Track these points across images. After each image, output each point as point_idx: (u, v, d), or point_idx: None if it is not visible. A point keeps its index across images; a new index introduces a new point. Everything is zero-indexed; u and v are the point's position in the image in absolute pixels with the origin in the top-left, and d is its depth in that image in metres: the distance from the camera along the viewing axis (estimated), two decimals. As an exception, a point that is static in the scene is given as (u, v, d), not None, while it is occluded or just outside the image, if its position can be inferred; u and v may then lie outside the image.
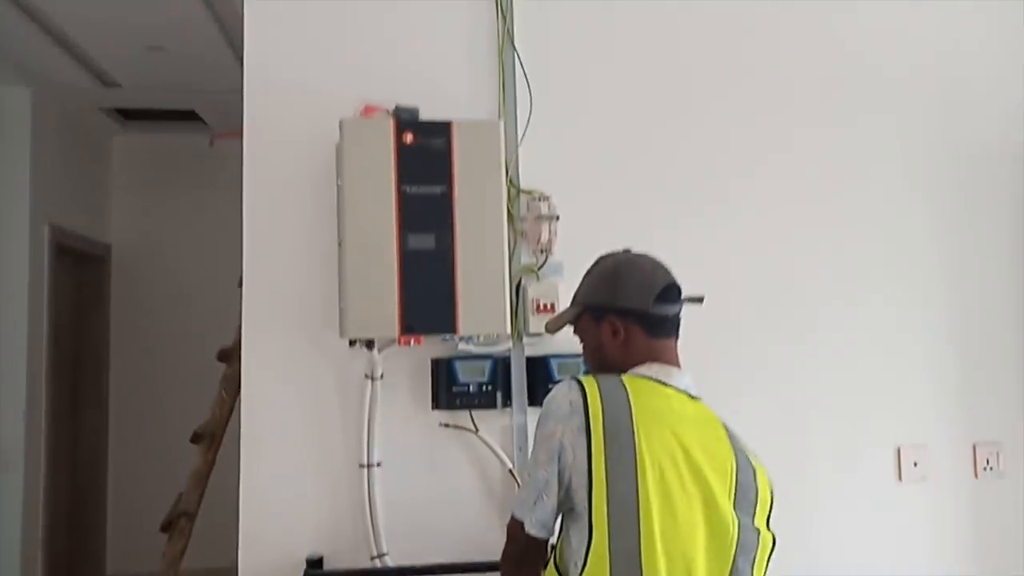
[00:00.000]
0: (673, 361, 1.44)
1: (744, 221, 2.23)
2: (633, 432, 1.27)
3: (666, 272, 1.48)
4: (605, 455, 1.26)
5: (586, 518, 1.26)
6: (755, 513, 1.33)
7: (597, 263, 1.53)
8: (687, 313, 2.11)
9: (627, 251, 1.54)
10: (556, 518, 1.34)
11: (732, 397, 2.13)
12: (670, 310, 1.45)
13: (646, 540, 1.23)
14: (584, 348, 1.53)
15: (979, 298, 2.34)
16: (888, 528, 2.23)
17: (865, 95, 2.33)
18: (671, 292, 1.45)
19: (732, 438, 1.38)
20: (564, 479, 1.30)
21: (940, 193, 2.34)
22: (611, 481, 1.25)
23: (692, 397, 1.41)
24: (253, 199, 2.04)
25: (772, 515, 1.38)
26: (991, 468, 2.31)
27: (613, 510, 1.24)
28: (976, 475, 2.30)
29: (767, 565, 1.34)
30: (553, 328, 1.62)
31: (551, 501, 1.32)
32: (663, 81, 2.24)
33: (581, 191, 2.14)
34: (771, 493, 1.38)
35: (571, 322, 1.54)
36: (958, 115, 2.38)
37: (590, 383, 1.33)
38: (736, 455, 1.35)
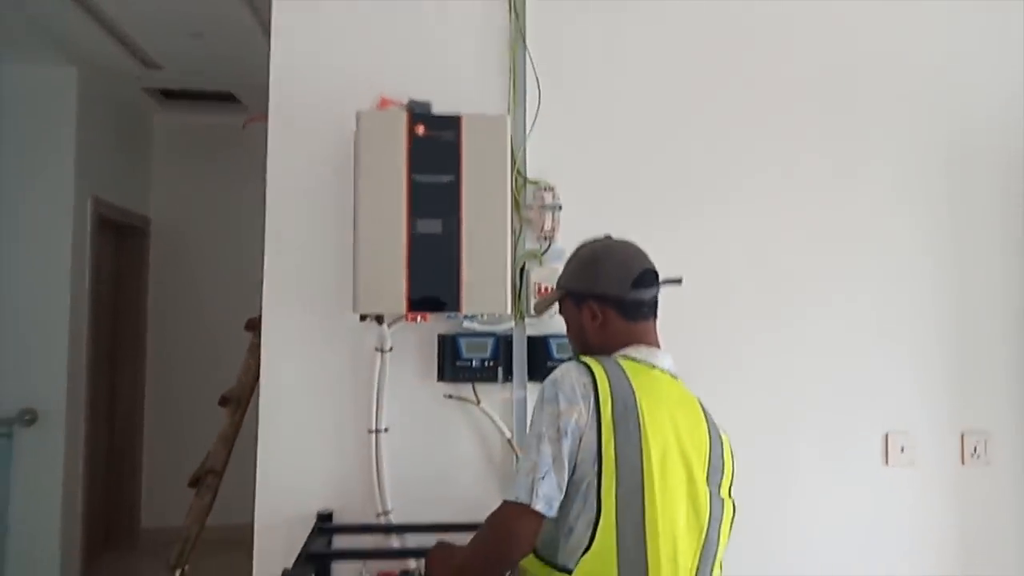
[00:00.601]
0: (654, 343, 1.53)
1: (739, 213, 2.32)
2: (639, 414, 1.34)
3: (643, 258, 1.54)
4: (614, 435, 1.31)
5: (594, 496, 1.30)
6: (721, 483, 1.44)
7: (579, 249, 1.60)
8: (679, 299, 2.22)
9: (607, 238, 1.61)
10: (561, 497, 1.34)
11: (721, 383, 2.26)
12: (646, 294, 1.51)
13: (649, 516, 1.30)
14: (568, 330, 1.61)
15: (969, 287, 2.39)
16: (873, 512, 2.31)
17: (861, 86, 2.39)
18: (647, 277, 1.51)
19: (705, 413, 1.48)
20: (574, 457, 1.33)
21: (931, 185, 2.40)
22: (619, 461, 1.30)
23: (673, 377, 1.50)
24: (276, 183, 2.18)
25: (733, 484, 1.49)
26: (978, 456, 2.36)
27: (621, 488, 1.30)
28: (963, 462, 2.36)
29: (730, 531, 1.45)
30: (539, 310, 1.71)
31: (559, 478, 1.32)
32: (668, 79, 2.33)
33: (584, 183, 2.25)
34: (733, 463, 1.49)
35: (555, 304, 1.62)
36: (948, 108, 2.42)
37: (596, 367, 1.38)
38: (709, 431, 1.46)
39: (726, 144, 2.34)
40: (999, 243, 2.42)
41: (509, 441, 2.16)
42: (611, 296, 1.50)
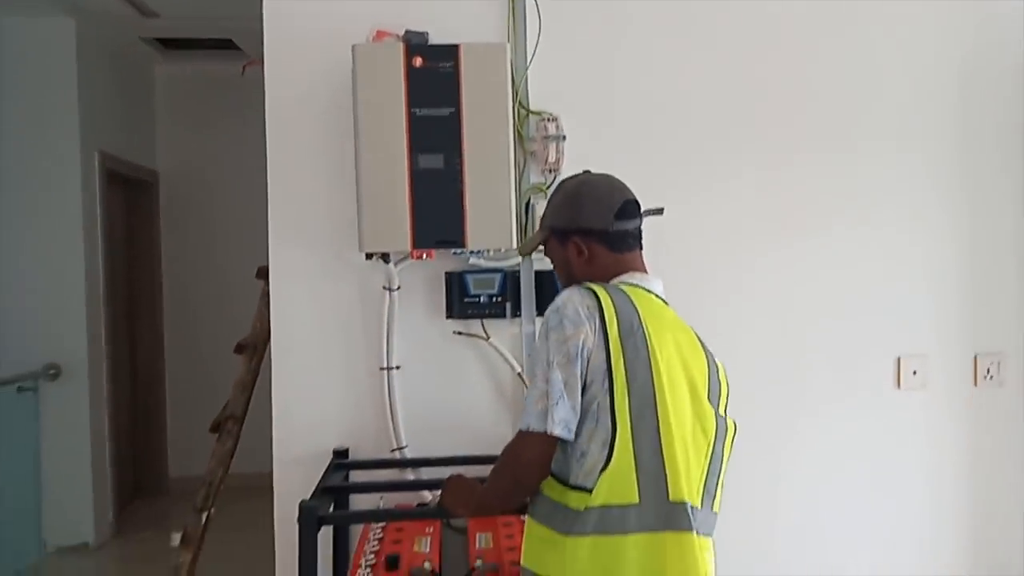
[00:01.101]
0: (643, 270, 1.53)
1: (746, 139, 2.28)
2: (644, 331, 1.35)
3: (623, 189, 1.53)
4: (623, 352, 1.32)
5: (608, 415, 1.31)
6: (719, 404, 1.46)
7: (559, 186, 1.59)
8: (686, 223, 2.21)
9: (587, 172, 1.60)
10: (576, 419, 1.34)
11: (735, 305, 2.26)
12: (630, 225, 1.51)
13: (664, 429, 1.32)
14: (555, 267, 1.60)
15: (983, 208, 2.36)
16: (884, 436, 2.32)
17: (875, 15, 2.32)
18: (629, 208, 1.51)
19: (700, 339, 1.50)
20: (584, 379, 1.33)
21: (945, 109, 2.34)
22: (630, 377, 1.32)
23: (665, 303, 1.51)
24: (275, 126, 2.17)
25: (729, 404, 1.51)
26: (991, 377, 2.36)
27: (634, 403, 1.31)
28: (976, 383, 2.36)
29: (731, 449, 1.47)
30: (525, 251, 1.70)
31: (573, 401, 1.32)
32: (669, 4, 2.25)
33: (588, 112, 2.21)
34: (728, 386, 1.51)
35: (540, 244, 1.60)
36: (961, 30, 2.35)
37: (599, 289, 1.39)
38: (706, 354, 1.48)
39: (733, 69, 2.28)
40: (1014, 163, 2.37)
41: (519, 375, 2.18)
42: (595, 229, 1.49)
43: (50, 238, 4.14)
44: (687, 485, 1.33)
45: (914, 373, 2.34)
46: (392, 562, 1.70)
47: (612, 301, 1.37)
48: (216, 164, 5.25)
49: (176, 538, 3.01)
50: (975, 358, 2.36)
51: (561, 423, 1.32)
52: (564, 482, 1.37)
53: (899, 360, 2.33)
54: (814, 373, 2.31)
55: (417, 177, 1.95)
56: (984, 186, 2.36)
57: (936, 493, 2.35)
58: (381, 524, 2.00)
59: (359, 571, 1.69)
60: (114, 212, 4.70)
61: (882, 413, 2.33)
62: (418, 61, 1.95)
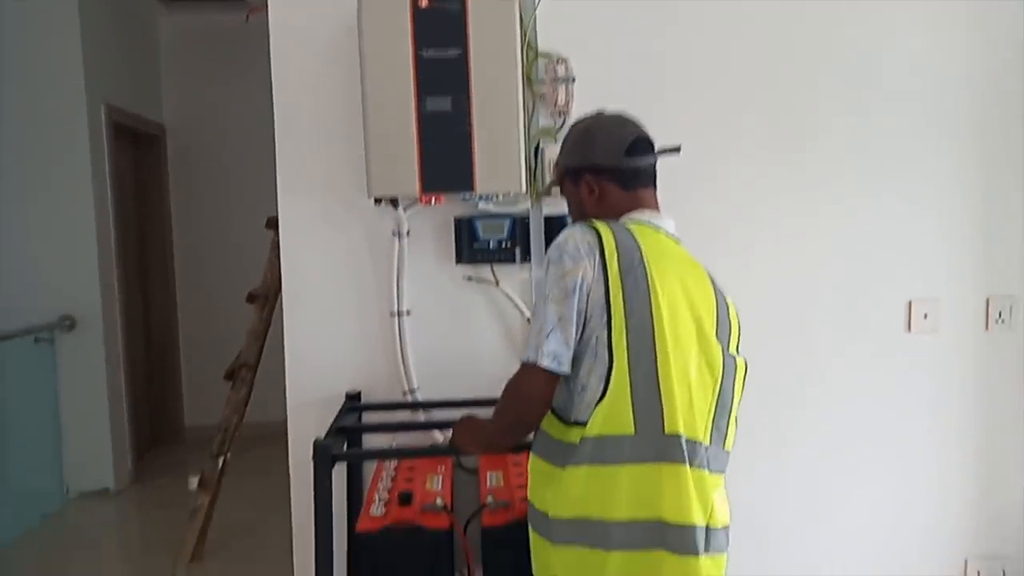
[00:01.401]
0: (655, 208, 1.52)
1: (755, 74, 2.24)
2: (645, 267, 1.35)
3: (635, 127, 1.52)
4: (622, 287, 1.33)
5: (606, 349, 1.33)
6: (729, 342, 1.46)
7: (572, 126, 1.59)
8: (704, 166, 2.18)
9: (599, 112, 1.59)
10: (570, 354, 1.36)
11: (746, 247, 2.25)
12: (642, 162, 1.50)
13: (662, 364, 1.33)
14: (568, 207, 1.61)
15: (998, 149, 2.31)
16: (894, 379, 2.33)
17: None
18: (641, 145, 1.50)
19: (710, 276, 1.49)
20: (582, 314, 1.34)
21: (957, 53, 2.29)
22: (628, 312, 1.32)
23: (677, 241, 1.51)
24: (281, 71, 2.15)
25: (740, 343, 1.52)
26: (1003, 321, 2.35)
27: (632, 337, 1.32)
28: (987, 327, 2.34)
29: (743, 387, 1.48)
30: (541, 192, 1.69)
31: (565, 334, 1.34)
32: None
33: (598, 53, 2.17)
34: (739, 324, 1.51)
35: (556, 185, 1.62)
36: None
37: (601, 225, 1.39)
38: (716, 292, 1.47)
39: (741, 10, 2.23)
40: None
41: (528, 321, 2.19)
42: (606, 167, 1.49)
43: (60, 191, 4.15)
44: (686, 420, 1.34)
45: (925, 316, 2.33)
46: (405, 498, 1.74)
47: (614, 237, 1.37)
48: (223, 115, 5.22)
49: (194, 482, 3.09)
50: (987, 301, 2.35)
51: (550, 355, 1.33)
52: (565, 419, 1.40)
53: (910, 304, 2.32)
54: (825, 316, 2.30)
55: (425, 120, 1.93)
56: (997, 129, 2.31)
57: (943, 436, 2.36)
58: (394, 464, 2.04)
59: (372, 506, 1.73)
60: (123, 166, 4.70)
61: (892, 356, 2.32)
62: (424, 1, 1.91)
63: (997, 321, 2.36)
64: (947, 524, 2.38)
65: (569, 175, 1.55)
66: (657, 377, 1.33)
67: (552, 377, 1.36)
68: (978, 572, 2.39)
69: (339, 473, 1.86)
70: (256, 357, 3.23)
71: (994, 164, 2.32)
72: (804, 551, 2.33)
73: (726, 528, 1.40)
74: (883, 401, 2.33)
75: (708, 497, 1.36)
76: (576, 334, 1.35)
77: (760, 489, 2.27)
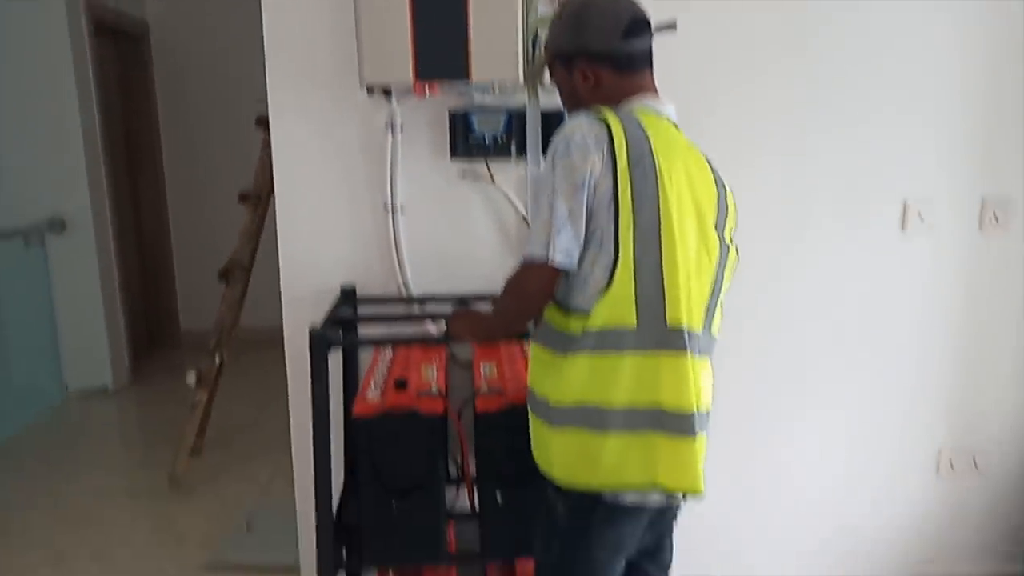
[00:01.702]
0: (654, 91, 1.47)
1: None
2: (654, 158, 1.32)
3: (632, 5, 1.44)
4: (631, 180, 1.30)
5: (612, 242, 1.31)
6: (725, 228, 1.46)
7: (563, 6, 1.50)
8: (703, 57, 2.11)
9: None
10: (579, 248, 1.34)
11: (743, 147, 2.21)
12: (639, 45, 1.43)
13: (667, 257, 1.32)
14: (560, 95, 1.54)
15: (995, 48, 2.25)
16: (887, 277, 2.34)
17: None
18: (638, 26, 1.42)
19: (709, 162, 1.47)
20: (589, 208, 1.32)
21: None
22: (636, 204, 1.30)
23: (676, 127, 1.47)
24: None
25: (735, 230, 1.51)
26: (997, 220, 2.34)
27: (639, 232, 1.30)
28: (981, 227, 2.34)
29: (732, 275, 1.49)
30: (529, 78, 1.61)
31: (576, 229, 1.32)
32: None
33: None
34: (736, 212, 1.51)
35: (545, 70, 1.53)
36: None
37: (610, 115, 1.35)
38: (715, 178, 1.46)
39: None
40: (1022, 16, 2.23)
41: (524, 219, 2.17)
42: (601, 51, 1.42)
43: (43, 89, 4.04)
44: (687, 311, 1.34)
45: (919, 216, 2.33)
46: (401, 384, 1.76)
47: (623, 128, 1.33)
48: (208, 10, 5.02)
49: (191, 377, 3.14)
50: (982, 201, 2.33)
51: (563, 251, 1.32)
52: (567, 308, 1.40)
53: (905, 203, 2.31)
54: (819, 214, 2.29)
55: (419, 5, 1.86)
56: (996, 28, 2.24)
57: (930, 335, 2.40)
58: (388, 357, 2.06)
59: (368, 391, 1.76)
60: (107, 65, 4.55)
61: (886, 256, 2.33)
62: None
63: (991, 221, 2.35)
64: (924, 418, 2.44)
65: (560, 60, 1.48)
66: (662, 271, 1.32)
67: (559, 273, 1.36)
68: (950, 461, 2.48)
69: (335, 367, 1.88)
70: (250, 258, 3.22)
71: (991, 63, 2.25)
72: (788, 442, 2.41)
73: (708, 412, 1.43)
74: (873, 297, 2.35)
75: (699, 382, 1.38)
76: (584, 227, 1.33)
77: (740, 382, 2.30)
